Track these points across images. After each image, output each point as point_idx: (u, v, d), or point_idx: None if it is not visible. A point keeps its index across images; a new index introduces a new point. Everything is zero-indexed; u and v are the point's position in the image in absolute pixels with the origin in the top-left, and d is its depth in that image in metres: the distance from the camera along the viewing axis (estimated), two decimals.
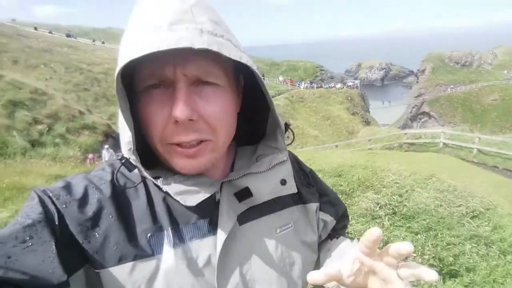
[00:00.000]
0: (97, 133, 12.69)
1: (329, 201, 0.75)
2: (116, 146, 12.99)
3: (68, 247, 0.47)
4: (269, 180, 0.60)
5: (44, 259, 0.42)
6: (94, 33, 66.73)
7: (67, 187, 0.52)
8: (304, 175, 0.75)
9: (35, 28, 35.56)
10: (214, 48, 0.45)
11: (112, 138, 13.25)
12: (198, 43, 0.44)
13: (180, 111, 0.48)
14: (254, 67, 0.51)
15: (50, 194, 0.50)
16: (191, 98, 0.50)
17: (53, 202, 0.49)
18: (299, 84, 41.52)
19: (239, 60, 0.48)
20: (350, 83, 46.31)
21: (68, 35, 37.58)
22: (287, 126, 0.63)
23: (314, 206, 0.71)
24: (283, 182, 0.61)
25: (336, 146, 14.29)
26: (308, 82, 43.21)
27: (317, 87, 40.45)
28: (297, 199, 0.68)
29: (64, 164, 8.58)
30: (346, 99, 38.54)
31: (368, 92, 52.24)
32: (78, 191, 0.52)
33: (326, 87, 40.87)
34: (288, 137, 0.67)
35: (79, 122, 12.58)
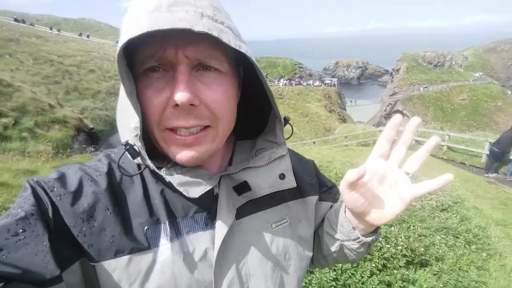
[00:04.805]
0: (68, 127, 12.09)
1: (327, 190, 0.77)
2: (87, 141, 12.48)
3: (63, 240, 0.45)
4: (268, 175, 0.59)
5: (37, 253, 0.41)
6: (66, 23, 63.72)
7: (61, 179, 0.50)
8: (308, 165, 0.75)
9: (16, 20, 33.04)
10: (214, 33, 0.43)
11: (84, 132, 12.72)
12: (198, 26, 0.42)
13: (181, 94, 0.45)
14: (252, 58, 0.49)
15: (44, 186, 0.48)
16: (193, 82, 0.48)
17: (47, 194, 0.47)
18: (278, 81, 41.71)
19: (238, 48, 0.46)
20: (328, 81, 47.12)
21: (51, 28, 35.39)
22: (286, 120, 0.62)
23: (313, 199, 0.71)
24: (282, 176, 0.60)
25: (314, 142, 14.50)
26: (287, 79, 43.51)
27: (296, 85, 40.83)
28: (295, 193, 0.67)
29: (33, 158, 8.12)
30: (324, 96, 39.19)
31: (345, 90, 53.43)
32: (73, 183, 0.50)
33: (305, 85, 41.33)
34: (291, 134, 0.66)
35: (48, 116, 11.92)
